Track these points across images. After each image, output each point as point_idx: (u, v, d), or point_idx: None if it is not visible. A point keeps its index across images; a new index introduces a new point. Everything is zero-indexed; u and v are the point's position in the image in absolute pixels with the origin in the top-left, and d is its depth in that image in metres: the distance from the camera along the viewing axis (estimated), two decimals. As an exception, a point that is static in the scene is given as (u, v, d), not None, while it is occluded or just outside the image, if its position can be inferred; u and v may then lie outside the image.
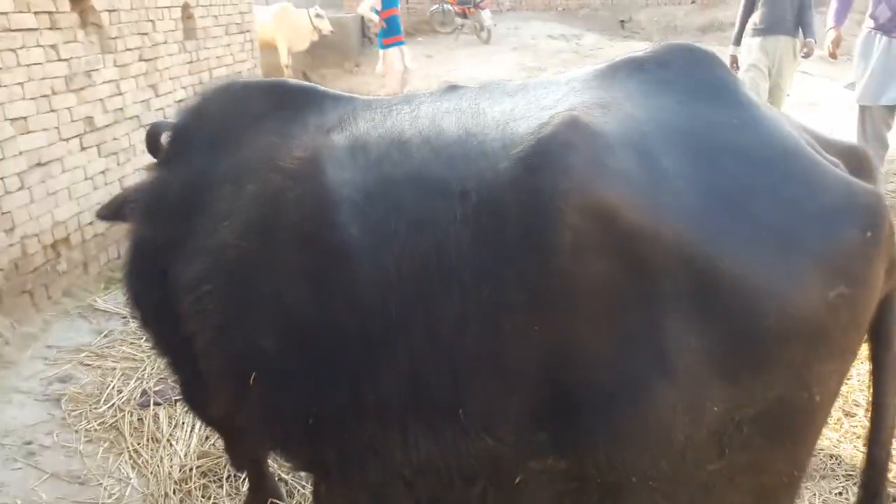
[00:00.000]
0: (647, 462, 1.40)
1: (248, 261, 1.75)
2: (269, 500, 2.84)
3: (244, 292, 1.76)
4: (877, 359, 1.58)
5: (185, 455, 3.24)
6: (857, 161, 1.57)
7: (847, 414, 3.58)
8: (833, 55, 5.92)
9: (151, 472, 3.16)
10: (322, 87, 2.11)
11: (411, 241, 1.52)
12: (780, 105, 6.76)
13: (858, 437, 3.41)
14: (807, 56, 6.69)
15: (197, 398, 2.37)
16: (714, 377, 1.33)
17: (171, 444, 3.32)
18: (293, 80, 2.19)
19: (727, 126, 1.43)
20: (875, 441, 1.64)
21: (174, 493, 3.05)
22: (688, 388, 1.34)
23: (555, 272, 1.36)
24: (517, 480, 1.53)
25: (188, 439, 3.35)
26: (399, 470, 1.65)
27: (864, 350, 3.96)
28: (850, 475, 3.20)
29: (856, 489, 3.19)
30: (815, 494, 3.10)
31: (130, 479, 3.15)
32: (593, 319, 1.37)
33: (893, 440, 1.65)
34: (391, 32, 8.81)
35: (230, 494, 3.04)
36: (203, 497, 3.03)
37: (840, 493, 3.14)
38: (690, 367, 1.32)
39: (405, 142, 1.64)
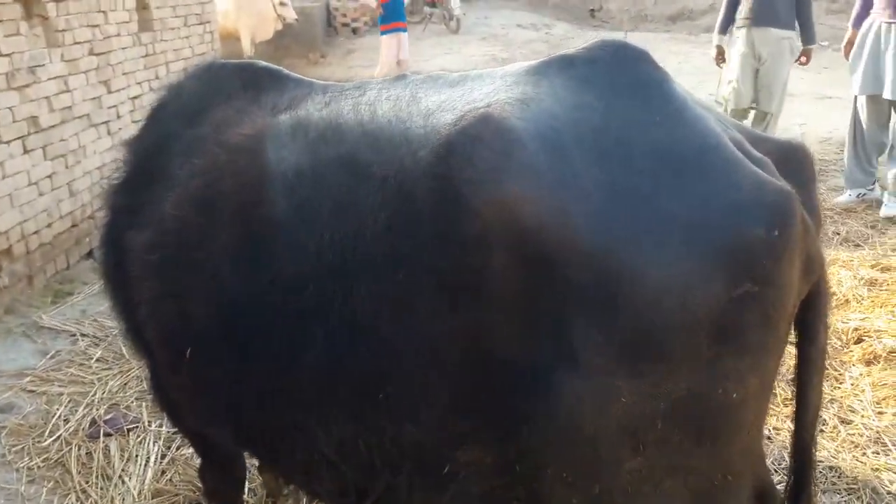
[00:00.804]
0: (560, 453, 1.45)
1: (186, 232, 1.83)
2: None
3: (180, 263, 1.85)
4: (801, 353, 1.61)
5: (139, 493, 2.95)
6: (793, 159, 1.61)
7: (843, 421, 3.47)
8: (847, 55, 5.94)
9: (101, 514, 2.89)
10: (287, 71, 2.15)
11: (334, 222, 1.59)
12: (773, 104, 6.55)
13: (858, 447, 3.29)
14: (804, 63, 6.49)
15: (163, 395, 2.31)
16: (620, 370, 1.37)
17: (123, 482, 3.03)
18: (263, 63, 2.25)
19: (646, 123, 1.45)
20: (799, 435, 1.69)
21: (127, 537, 2.80)
22: (594, 379, 1.37)
23: (463, 261, 1.42)
24: (444, 471, 1.57)
25: (142, 474, 3.07)
26: (323, 450, 1.72)
27: (860, 349, 3.98)
28: (852, 489, 3.06)
29: (859, 503, 3.18)
30: None
31: (78, 523, 2.88)
32: (503, 310, 1.42)
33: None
34: (389, 18, 8.56)
35: (189, 538, 2.79)
36: (159, 542, 2.77)
37: None
38: (595, 359, 1.36)
39: (341, 125, 1.71)
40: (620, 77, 1.52)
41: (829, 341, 1.65)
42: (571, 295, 1.36)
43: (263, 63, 2.23)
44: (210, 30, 7.20)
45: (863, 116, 5.91)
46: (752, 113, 6.77)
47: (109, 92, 5.46)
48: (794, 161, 1.61)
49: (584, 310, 1.36)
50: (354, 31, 14.49)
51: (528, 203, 1.35)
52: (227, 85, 2.09)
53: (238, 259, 1.72)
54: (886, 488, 3.03)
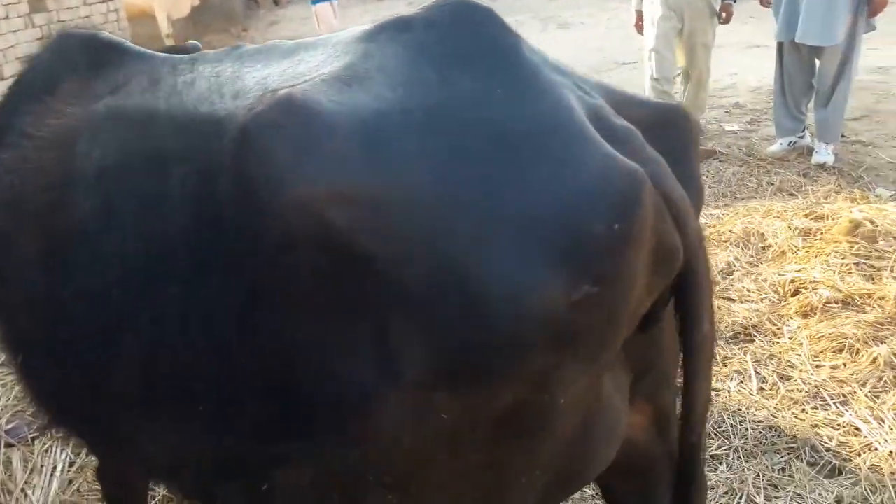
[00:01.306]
0: (378, 464, 1.34)
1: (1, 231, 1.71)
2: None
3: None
4: (685, 343, 1.46)
5: (44, 508, 2.75)
6: (671, 124, 1.47)
7: (782, 377, 3.44)
8: (763, 3, 6.00)
9: (3, 532, 2.67)
10: (130, 44, 1.92)
11: (138, 224, 1.44)
12: (701, 64, 6.41)
13: (797, 403, 3.25)
14: (725, 22, 6.32)
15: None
16: (440, 384, 1.21)
17: (25, 496, 2.81)
18: (106, 34, 2.00)
19: (487, 98, 1.26)
20: (685, 433, 1.58)
21: (30, 556, 2.58)
22: (413, 393, 1.22)
23: (268, 267, 1.25)
24: (264, 488, 1.44)
25: (47, 487, 2.85)
26: (153, 458, 1.64)
27: (797, 302, 3.94)
28: (792, 448, 3.02)
29: (799, 463, 3.14)
30: (757, 475, 2.89)
31: (-24, 543, 2.66)
32: (314, 321, 1.26)
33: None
34: None
35: (98, 553, 2.59)
36: (67, 558, 2.57)
37: (783, 470, 2.94)
38: (414, 372, 1.20)
39: (155, 109, 1.52)
40: (460, 43, 1.33)
41: (715, 326, 1.51)
42: (389, 302, 1.19)
43: (105, 34, 1.97)
44: (115, 7, 6.82)
45: (787, 63, 5.87)
46: (679, 76, 6.67)
47: (2, 79, 5.10)
48: (671, 126, 1.47)
49: (402, 318, 1.19)
50: (276, 2, 14.15)
51: (336, 200, 1.17)
52: (70, 60, 1.85)
53: (46, 262, 1.58)
54: (825, 444, 2.98)
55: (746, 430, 3.14)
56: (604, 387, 1.43)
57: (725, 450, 3.05)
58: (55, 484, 2.86)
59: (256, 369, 1.33)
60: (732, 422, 3.20)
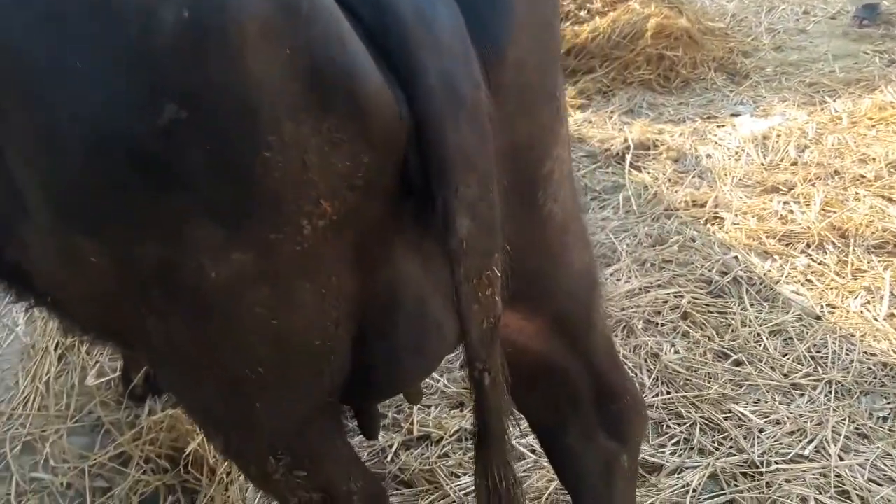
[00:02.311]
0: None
1: None
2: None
3: None
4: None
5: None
6: None
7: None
8: None
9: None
10: None
11: None
12: None
13: None
14: None
15: None
16: (74, 230, 1.06)
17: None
18: None
19: None
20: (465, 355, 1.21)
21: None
22: (52, 236, 1.09)
23: None
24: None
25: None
26: None
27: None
28: None
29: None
30: (844, 418, 2.37)
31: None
32: None
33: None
34: None
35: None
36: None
37: (884, 419, 2.40)
38: (43, 215, 1.06)
39: None
40: None
41: (478, 223, 1.07)
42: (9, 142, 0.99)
43: None
44: None
45: None
46: None
47: None
48: None
49: (14, 161, 1.00)
50: None
51: None
52: None
53: None
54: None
55: (852, 361, 2.57)
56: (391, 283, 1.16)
57: (814, 380, 2.52)
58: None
59: None
60: (836, 348, 2.63)
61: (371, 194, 1.04)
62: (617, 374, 1.59)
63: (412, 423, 2.42)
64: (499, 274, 1.12)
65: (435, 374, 2.52)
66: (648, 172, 3.70)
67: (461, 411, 2.46)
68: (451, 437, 2.36)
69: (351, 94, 0.94)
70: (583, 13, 4.68)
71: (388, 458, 2.33)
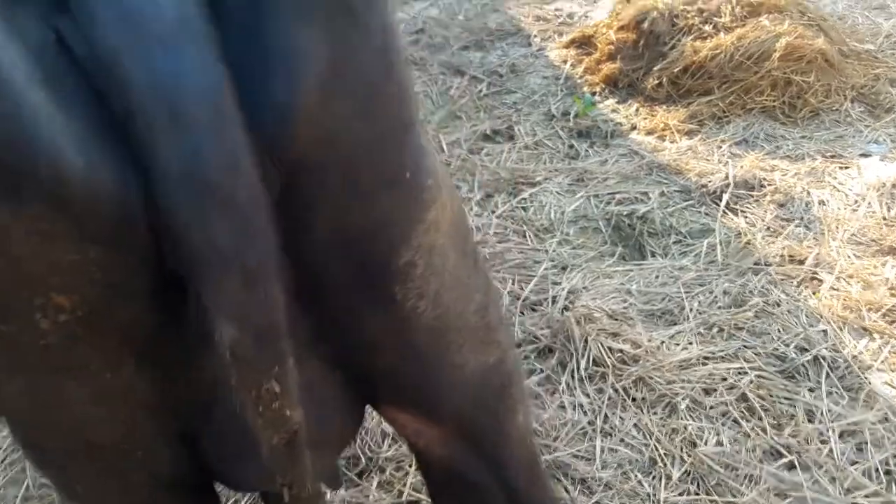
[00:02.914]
0: None
1: None
2: None
3: None
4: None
5: None
6: None
7: None
8: None
9: None
10: None
11: None
12: None
13: None
14: None
15: None
16: None
17: None
18: None
19: None
20: None
21: None
22: None
23: None
24: None
25: None
26: None
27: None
28: None
29: None
30: None
31: None
32: None
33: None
34: None
35: None
36: None
37: None
38: None
39: None
40: None
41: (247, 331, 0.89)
42: None
43: None
44: None
45: None
46: None
47: None
48: None
49: None
50: None
51: None
52: None
53: None
54: None
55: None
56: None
57: (880, 503, 2.10)
58: None
59: None
60: None
61: (126, 292, 0.87)
62: (539, 493, 1.36)
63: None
64: (289, 386, 0.93)
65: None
66: (746, 217, 3.28)
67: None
68: None
69: (49, 179, 0.75)
70: (707, 27, 4.24)
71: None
